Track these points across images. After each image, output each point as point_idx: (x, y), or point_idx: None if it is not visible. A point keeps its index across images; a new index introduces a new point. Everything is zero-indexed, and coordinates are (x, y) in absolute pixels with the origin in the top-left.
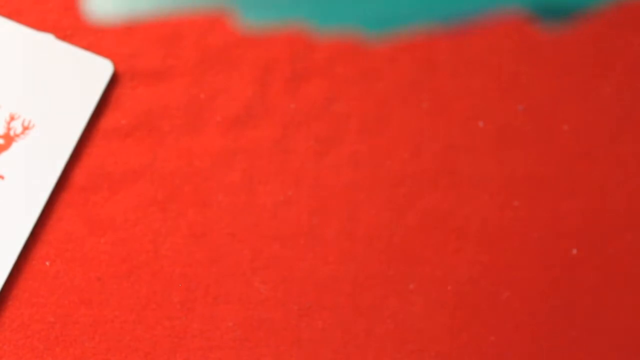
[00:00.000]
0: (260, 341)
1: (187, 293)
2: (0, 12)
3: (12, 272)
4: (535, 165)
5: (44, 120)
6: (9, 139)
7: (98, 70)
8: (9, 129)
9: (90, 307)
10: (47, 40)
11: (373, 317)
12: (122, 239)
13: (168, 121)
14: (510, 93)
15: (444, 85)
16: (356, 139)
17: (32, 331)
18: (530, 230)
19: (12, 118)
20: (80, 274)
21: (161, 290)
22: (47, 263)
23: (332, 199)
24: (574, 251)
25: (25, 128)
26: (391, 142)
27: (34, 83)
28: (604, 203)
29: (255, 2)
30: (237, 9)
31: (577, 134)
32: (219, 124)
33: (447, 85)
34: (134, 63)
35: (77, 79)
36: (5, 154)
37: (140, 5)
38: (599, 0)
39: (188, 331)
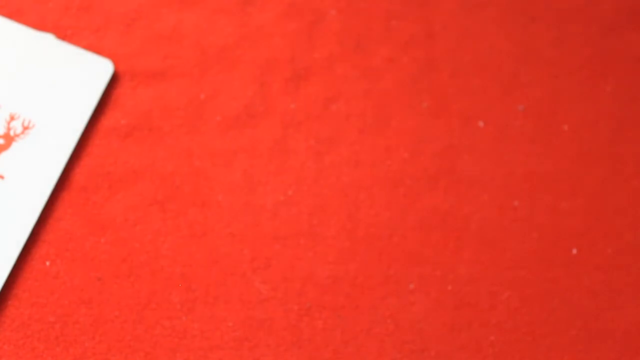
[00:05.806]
0: (260, 341)
1: (187, 293)
2: (1, 12)
3: (12, 272)
4: (535, 165)
5: (44, 120)
6: (9, 139)
7: (98, 70)
8: (9, 129)
9: (90, 307)
10: (47, 40)
11: (373, 317)
12: (122, 239)
13: (168, 121)
14: (510, 93)
15: (444, 85)
16: (356, 139)
17: (32, 331)
18: (530, 230)
19: (12, 118)
20: (80, 274)
21: (161, 290)
22: (47, 263)
23: (332, 199)
24: (574, 251)
25: (25, 128)
26: (391, 142)
27: (34, 83)
28: (604, 203)
29: None
30: None
31: (577, 134)
32: (219, 124)
33: (447, 85)
34: (134, 63)
35: (77, 79)
36: (5, 154)
37: None
38: None
39: (188, 331)
